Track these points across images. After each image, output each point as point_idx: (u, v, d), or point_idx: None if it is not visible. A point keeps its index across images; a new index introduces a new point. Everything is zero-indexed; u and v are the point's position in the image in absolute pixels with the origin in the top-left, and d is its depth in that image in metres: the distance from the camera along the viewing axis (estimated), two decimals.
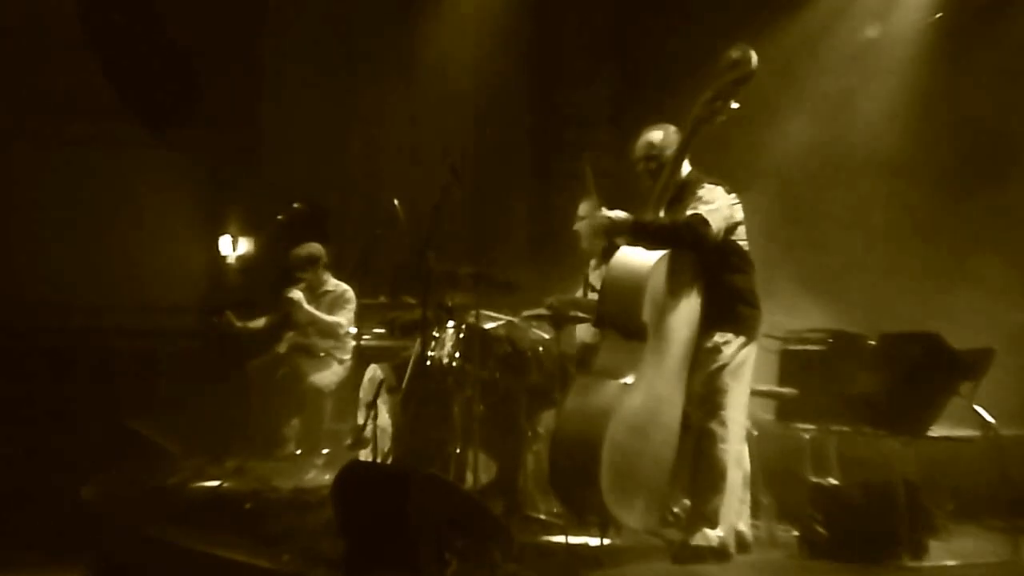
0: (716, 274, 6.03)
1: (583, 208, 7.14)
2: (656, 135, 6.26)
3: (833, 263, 8.63)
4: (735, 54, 5.83)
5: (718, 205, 5.96)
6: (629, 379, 5.84)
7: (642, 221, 5.97)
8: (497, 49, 11.30)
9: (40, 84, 11.46)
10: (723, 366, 5.94)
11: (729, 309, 6.02)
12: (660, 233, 5.93)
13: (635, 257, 6.01)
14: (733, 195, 6.06)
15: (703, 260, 6.00)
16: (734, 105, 5.85)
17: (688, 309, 6.00)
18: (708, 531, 5.85)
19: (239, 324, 9.12)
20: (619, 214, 6.08)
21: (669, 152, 6.12)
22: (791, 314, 7.73)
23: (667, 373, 5.94)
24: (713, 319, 6.01)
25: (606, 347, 6.07)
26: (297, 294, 9.13)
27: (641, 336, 5.90)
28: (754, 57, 5.81)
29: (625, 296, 5.94)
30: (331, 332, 9.17)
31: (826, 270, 8.51)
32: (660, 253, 5.93)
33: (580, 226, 7.19)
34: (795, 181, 8.88)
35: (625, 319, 5.95)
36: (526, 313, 7.75)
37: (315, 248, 9.35)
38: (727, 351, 5.96)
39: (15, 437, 10.93)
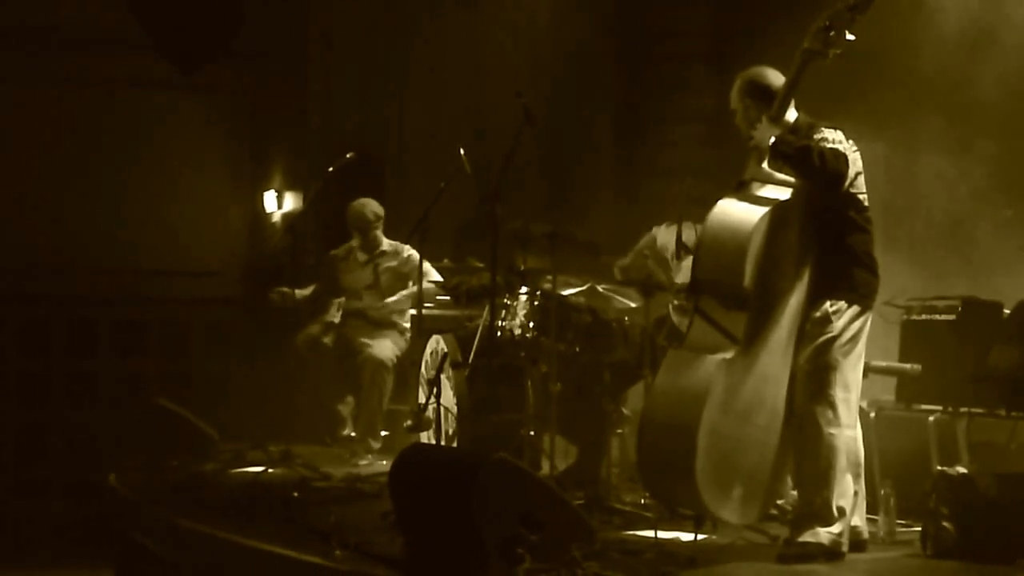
0: (830, 231, 6.05)
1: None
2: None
3: (966, 216, 8.52)
4: None
5: (843, 148, 5.96)
6: (729, 354, 5.90)
7: (785, 138, 5.95)
8: None
9: (53, 17, 11.55)
10: (832, 339, 5.93)
11: (843, 273, 6.02)
12: (800, 155, 5.88)
13: (737, 211, 6.02)
14: (851, 141, 6.08)
15: (816, 214, 6.02)
16: (850, 37, 5.87)
17: (796, 272, 6.01)
18: (819, 528, 5.90)
19: (297, 294, 9.21)
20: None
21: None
22: (915, 277, 7.76)
23: (772, 347, 5.97)
24: (824, 285, 6.02)
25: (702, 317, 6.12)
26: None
27: (743, 304, 5.95)
28: None
29: (725, 257, 5.96)
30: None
31: (956, 223, 8.43)
32: (765, 208, 5.94)
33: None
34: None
35: (725, 284, 6.00)
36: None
37: (369, 205, 9.46)
38: (837, 322, 5.96)
39: (33, 417, 11.25)
